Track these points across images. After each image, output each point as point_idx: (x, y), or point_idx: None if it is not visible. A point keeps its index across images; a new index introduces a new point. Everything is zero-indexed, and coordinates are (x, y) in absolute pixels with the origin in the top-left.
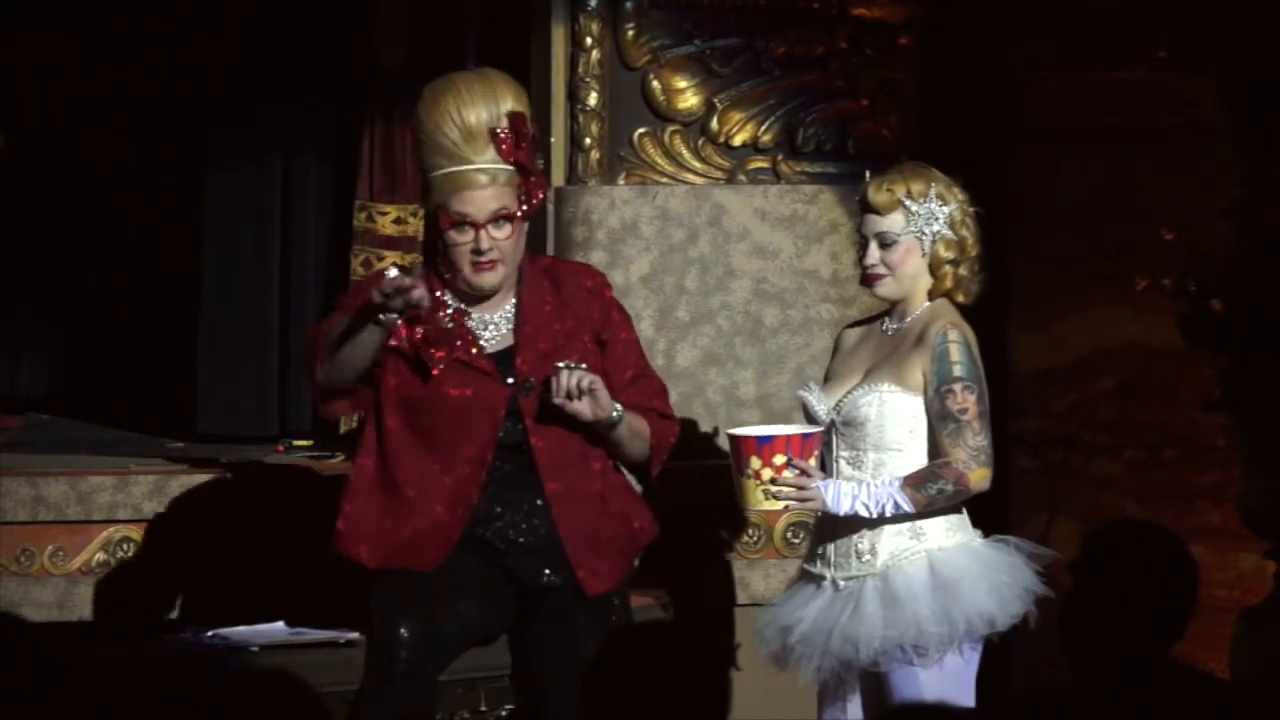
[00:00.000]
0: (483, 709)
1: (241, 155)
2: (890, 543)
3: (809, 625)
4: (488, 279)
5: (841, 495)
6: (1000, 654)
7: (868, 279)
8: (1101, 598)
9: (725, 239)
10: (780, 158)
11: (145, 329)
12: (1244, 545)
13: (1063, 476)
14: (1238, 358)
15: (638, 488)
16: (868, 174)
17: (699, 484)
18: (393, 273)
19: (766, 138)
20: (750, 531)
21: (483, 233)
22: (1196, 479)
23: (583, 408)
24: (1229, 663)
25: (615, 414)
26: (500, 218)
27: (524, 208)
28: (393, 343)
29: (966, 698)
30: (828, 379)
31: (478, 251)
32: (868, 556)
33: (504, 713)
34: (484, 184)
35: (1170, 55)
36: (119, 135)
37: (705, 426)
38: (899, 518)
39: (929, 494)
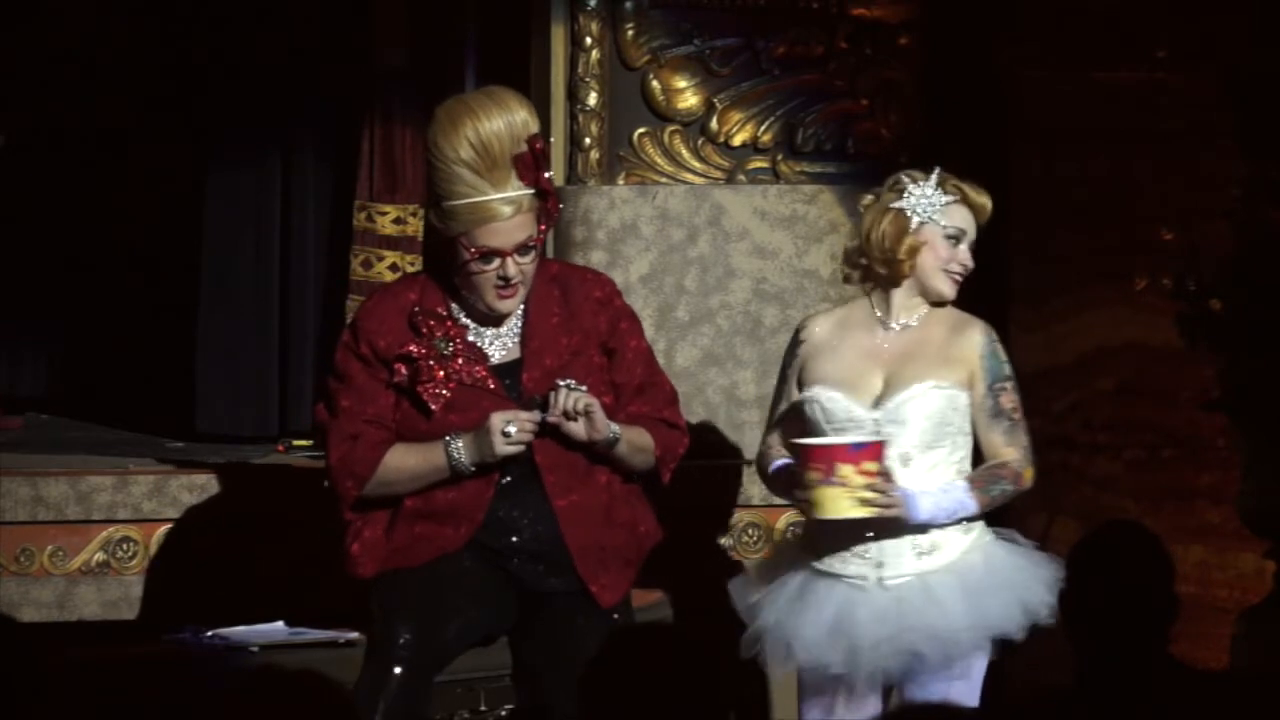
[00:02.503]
0: (483, 709)
1: (241, 155)
2: (951, 538)
3: (865, 632)
4: (509, 304)
5: (920, 503)
6: (1000, 654)
7: (952, 280)
8: (1088, 598)
9: (725, 239)
10: (780, 158)
11: (145, 329)
12: (1244, 545)
13: (1062, 476)
14: (1237, 358)
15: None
16: (943, 174)
17: (700, 484)
18: (512, 431)
19: (766, 138)
20: (750, 531)
21: (509, 261)
22: (1196, 479)
23: (578, 429)
24: (1229, 663)
25: (612, 435)
26: (525, 246)
27: (544, 229)
28: (395, 380)
29: (973, 699)
30: (827, 380)
31: (504, 279)
32: (925, 554)
33: (504, 713)
34: (509, 215)
35: (1170, 55)
36: (119, 134)
37: (705, 426)
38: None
39: (992, 495)
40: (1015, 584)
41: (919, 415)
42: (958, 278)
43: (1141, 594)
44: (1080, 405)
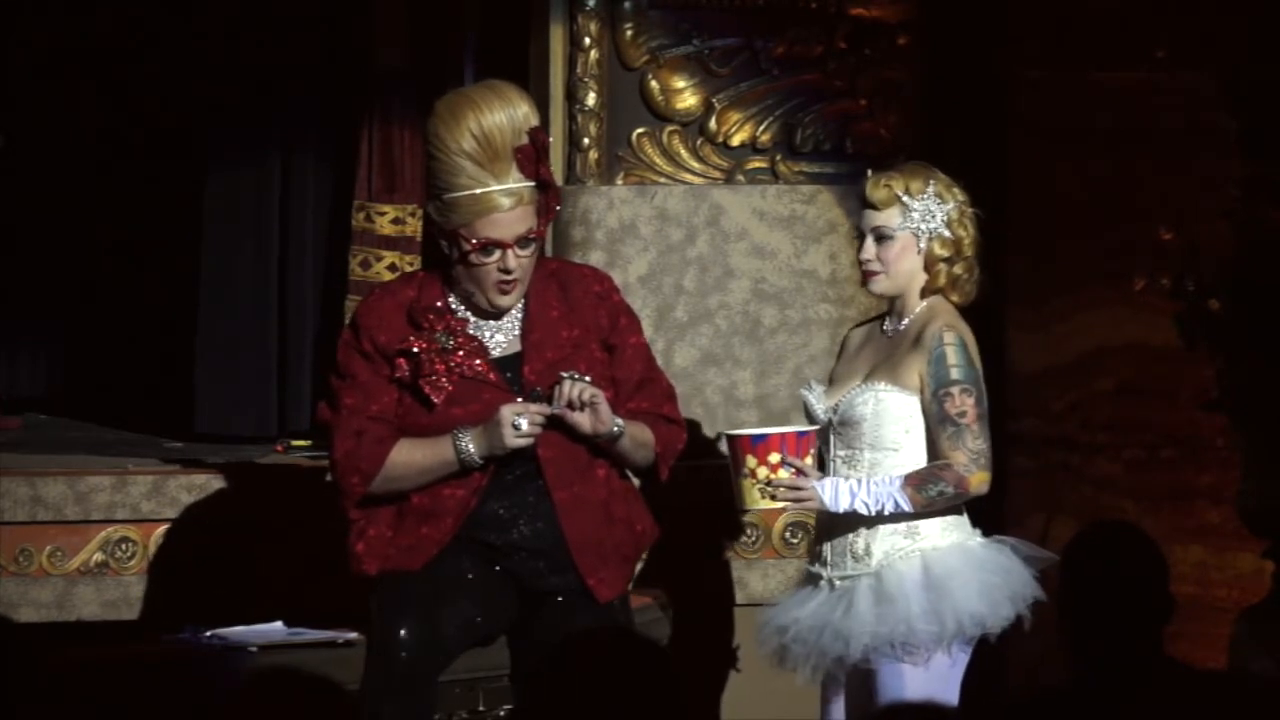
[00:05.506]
0: (482, 709)
1: (241, 155)
2: (885, 542)
3: (805, 624)
4: (509, 299)
5: (839, 493)
6: (996, 654)
7: (863, 276)
8: (1082, 597)
9: (723, 239)
10: (779, 158)
11: (144, 329)
12: (1243, 545)
13: (1061, 476)
14: (1237, 358)
15: (637, 483)
16: (869, 171)
17: (698, 484)
18: (523, 425)
19: (765, 138)
20: (748, 531)
21: (509, 253)
22: (1195, 479)
23: (582, 420)
24: (1228, 663)
25: (616, 429)
26: (526, 239)
27: (544, 222)
28: (397, 375)
29: (950, 697)
30: (832, 381)
31: (505, 271)
32: (863, 556)
33: (503, 713)
34: (509, 206)
35: (1170, 55)
36: (119, 135)
37: (704, 427)
38: (897, 517)
39: (928, 495)
40: (945, 593)
41: (864, 416)
42: (869, 273)
43: (1135, 592)
44: (1080, 405)
